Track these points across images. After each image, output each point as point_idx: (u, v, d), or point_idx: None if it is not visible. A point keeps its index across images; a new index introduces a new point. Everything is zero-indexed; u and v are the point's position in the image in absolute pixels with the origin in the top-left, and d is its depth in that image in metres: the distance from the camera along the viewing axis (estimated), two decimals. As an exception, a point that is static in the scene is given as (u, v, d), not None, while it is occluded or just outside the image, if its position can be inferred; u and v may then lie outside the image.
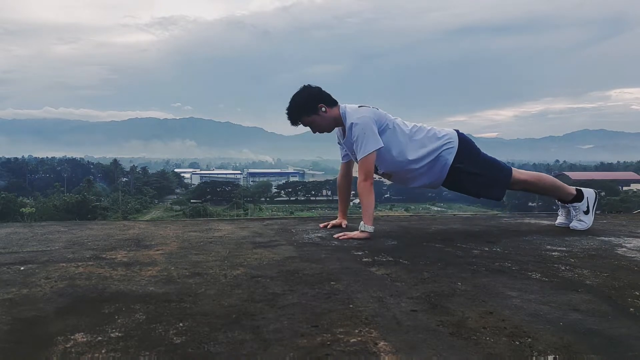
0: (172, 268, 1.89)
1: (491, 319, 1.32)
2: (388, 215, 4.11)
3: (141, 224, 3.25)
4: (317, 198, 79.80)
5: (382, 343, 1.15)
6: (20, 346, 1.15)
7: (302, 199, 79.74)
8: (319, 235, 2.71)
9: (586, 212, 2.85)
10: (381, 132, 2.61)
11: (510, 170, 2.79)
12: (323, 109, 2.66)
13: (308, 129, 2.77)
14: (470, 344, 1.15)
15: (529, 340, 1.17)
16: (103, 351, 1.11)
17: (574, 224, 2.86)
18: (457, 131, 2.80)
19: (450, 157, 2.69)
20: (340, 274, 1.79)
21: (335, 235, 2.59)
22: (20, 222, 4.06)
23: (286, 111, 2.69)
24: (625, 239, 2.60)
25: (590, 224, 2.85)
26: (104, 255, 2.13)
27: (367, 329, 1.24)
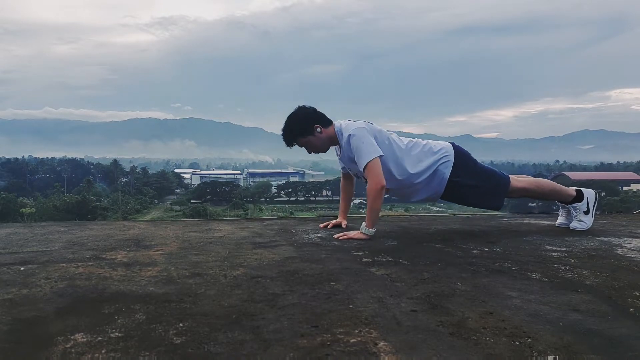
0: (172, 268, 1.89)
1: (491, 319, 1.32)
2: (388, 215, 4.12)
3: (141, 224, 3.25)
4: (317, 198, 79.80)
5: (382, 343, 1.15)
6: (20, 346, 1.15)
7: (302, 199, 79.74)
8: (319, 235, 2.71)
9: (586, 213, 2.85)
10: (378, 146, 2.61)
11: (508, 179, 2.80)
12: (318, 129, 2.68)
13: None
14: (470, 344, 1.15)
15: (529, 340, 1.17)
16: (103, 351, 1.11)
17: (574, 224, 2.86)
18: (453, 144, 2.82)
19: (447, 171, 2.69)
20: (340, 274, 1.79)
21: (335, 236, 2.59)
22: (20, 223, 4.06)
23: (281, 132, 2.73)
24: (625, 239, 2.60)
25: (591, 224, 2.85)
26: (104, 256, 2.13)
27: (367, 329, 1.24)
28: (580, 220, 2.85)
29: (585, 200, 2.85)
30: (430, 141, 2.81)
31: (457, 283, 1.68)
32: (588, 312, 1.38)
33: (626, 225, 3.15)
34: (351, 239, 2.53)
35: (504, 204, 2.98)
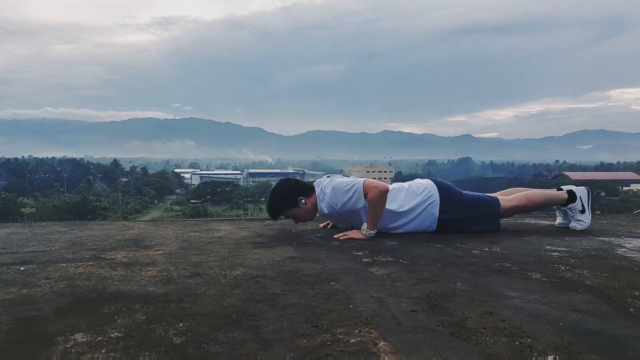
0: (172, 268, 1.89)
1: (491, 319, 1.32)
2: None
3: (141, 224, 3.25)
4: (317, 198, 79.44)
5: (382, 343, 1.15)
6: (20, 346, 1.15)
7: (302, 199, 79.41)
8: (319, 235, 2.71)
9: (582, 211, 2.85)
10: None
11: (497, 201, 2.81)
12: (303, 201, 2.75)
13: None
14: (470, 344, 1.15)
15: (529, 340, 1.17)
16: (103, 351, 1.11)
17: (573, 225, 2.86)
18: (435, 180, 2.83)
19: (436, 210, 2.70)
20: (340, 274, 1.79)
21: (335, 236, 2.59)
22: (20, 222, 4.06)
23: (266, 206, 2.84)
24: (625, 239, 2.60)
25: (589, 222, 2.85)
26: (104, 256, 2.13)
27: (367, 329, 1.24)
28: (578, 220, 2.85)
29: (578, 200, 2.84)
30: (411, 184, 2.82)
31: (457, 283, 1.68)
32: (588, 312, 1.38)
33: (626, 225, 3.15)
34: (351, 239, 2.53)
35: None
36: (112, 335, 1.20)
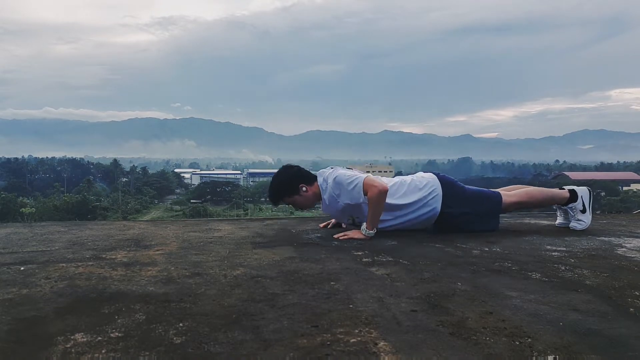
0: (172, 268, 1.89)
1: (491, 319, 1.32)
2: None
3: (141, 224, 3.25)
4: (317, 198, 79.60)
5: (382, 343, 1.15)
6: (20, 346, 1.15)
7: (302, 199, 79.58)
8: (319, 235, 2.71)
9: (583, 211, 2.84)
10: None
11: (499, 196, 2.79)
12: (304, 188, 2.75)
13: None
14: (470, 344, 1.15)
15: (529, 340, 1.17)
16: (103, 351, 1.11)
17: (573, 224, 2.86)
18: (437, 174, 2.82)
19: (438, 205, 2.69)
20: (340, 274, 1.79)
21: (335, 236, 2.59)
22: (20, 222, 4.06)
23: (267, 193, 2.83)
24: (625, 239, 2.59)
25: (589, 222, 2.85)
26: (104, 256, 2.13)
27: (367, 329, 1.24)
28: (578, 220, 2.85)
29: (579, 199, 2.84)
30: (414, 177, 2.81)
31: (457, 283, 1.68)
32: (588, 312, 1.38)
33: (626, 225, 3.15)
34: (351, 238, 2.53)
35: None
36: (112, 335, 1.20)
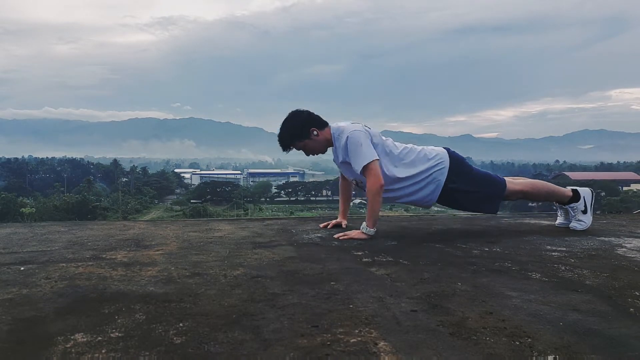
0: (172, 268, 1.89)
1: (491, 319, 1.32)
2: (388, 215, 4.12)
3: (141, 224, 3.25)
4: (317, 198, 79.76)
5: (382, 343, 1.15)
6: (20, 346, 1.15)
7: (302, 199, 79.73)
8: (319, 235, 2.71)
9: (584, 212, 2.85)
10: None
11: (504, 182, 2.79)
12: (315, 132, 2.69)
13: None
14: (470, 344, 1.15)
15: (529, 340, 1.17)
16: (103, 351, 1.11)
17: (574, 224, 2.86)
18: (448, 149, 2.81)
19: (443, 177, 2.69)
20: (340, 274, 1.79)
21: (336, 235, 2.59)
22: (20, 222, 4.06)
23: (277, 137, 2.74)
24: (625, 239, 2.60)
25: (590, 223, 2.85)
26: (104, 256, 2.13)
27: (367, 329, 1.24)
28: (579, 220, 2.85)
29: (582, 200, 2.85)
30: (425, 147, 2.80)
31: (457, 283, 1.68)
32: (588, 312, 1.38)
33: (626, 225, 3.15)
34: (351, 238, 2.53)
35: (504, 204, 2.97)
36: (112, 335, 1.20)
